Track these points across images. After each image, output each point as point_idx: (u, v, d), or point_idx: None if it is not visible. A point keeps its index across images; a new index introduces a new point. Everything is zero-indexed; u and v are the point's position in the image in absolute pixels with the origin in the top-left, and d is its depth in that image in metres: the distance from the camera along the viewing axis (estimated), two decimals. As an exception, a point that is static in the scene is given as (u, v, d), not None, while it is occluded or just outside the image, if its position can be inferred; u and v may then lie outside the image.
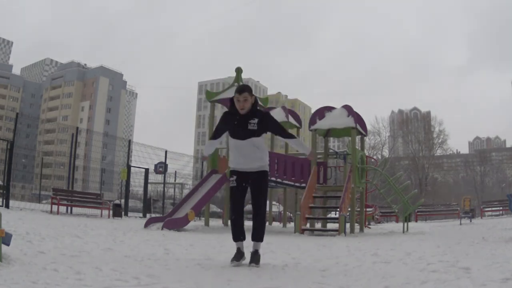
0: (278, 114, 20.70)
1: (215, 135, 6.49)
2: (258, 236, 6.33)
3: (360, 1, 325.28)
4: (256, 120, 6.10)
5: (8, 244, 5.37)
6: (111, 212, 21.53)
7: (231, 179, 6.36)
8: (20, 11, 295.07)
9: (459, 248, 8.64)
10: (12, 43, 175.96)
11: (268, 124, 6.22)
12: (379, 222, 26.99)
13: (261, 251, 6.38)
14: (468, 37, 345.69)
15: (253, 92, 6.15)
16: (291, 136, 6.50)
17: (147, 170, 26.55)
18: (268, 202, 25.81)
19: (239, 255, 6.31)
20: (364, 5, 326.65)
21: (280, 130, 6.37)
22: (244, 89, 6.10)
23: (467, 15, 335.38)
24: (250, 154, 6.21)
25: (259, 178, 6.30)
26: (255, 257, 6.22)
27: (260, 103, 18.87)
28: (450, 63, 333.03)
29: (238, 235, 6.35)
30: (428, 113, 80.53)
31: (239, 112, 6.09)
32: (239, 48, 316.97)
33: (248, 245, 6.37)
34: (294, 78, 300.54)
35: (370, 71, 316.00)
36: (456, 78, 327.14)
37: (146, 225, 15.08)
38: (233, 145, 6.28)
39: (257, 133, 6.15)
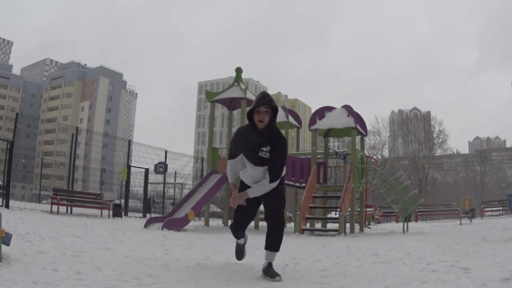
0: (278, 114, 20.70)
1: (235, 153, 5.69)
2: (274, 245, 5.51)
3: (367, 2, 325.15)
4: (268, 148, 5.32)
5: (8, 244, 5.37)
6: (111, 212, 21.51)
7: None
8: (21, 11, 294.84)
9: (459, 248, 8.64)
10: (12, 43, 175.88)
11: (276, 158, 5.36)
12: (379, 222, 26.95)
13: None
14: (474, 38, 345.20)
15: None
16: (271, 179, 5.36)
17: (147, 170, 26.55)
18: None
19: (240, 250, 6.26)
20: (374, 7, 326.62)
21: (273, 167, 5.38)
22: (264, 98, 5.35)
23: (472, 15, 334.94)
24: (257, 179, 5.51)
25: (273, 193, 5.50)
26: (269, 272, 5.37)
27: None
28: (454, 64, 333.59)
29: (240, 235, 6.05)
30: (428, 113, 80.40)
31: (257, 125, 5.32)
32: (238, 47, 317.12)
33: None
34: (296, 78, 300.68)
35: (375, 71, 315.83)
36: (459, 78, 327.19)
37: (146, 225, 15.08)
38: (246, 164, 5.57)
39: (267, 163, 5.37)
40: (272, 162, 5.34)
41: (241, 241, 6.16)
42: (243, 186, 5.63)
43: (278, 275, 5.25)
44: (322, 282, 5.14)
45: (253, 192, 5.42)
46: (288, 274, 5.73)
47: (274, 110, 5.37)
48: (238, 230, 5.97)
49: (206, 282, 5.03)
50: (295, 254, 8.02)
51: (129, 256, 6.92)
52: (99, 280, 4.85)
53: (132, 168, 26.02)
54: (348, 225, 15.33)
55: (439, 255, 7.32)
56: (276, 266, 6.09)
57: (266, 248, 5.50)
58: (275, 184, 5.39)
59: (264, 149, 5.33)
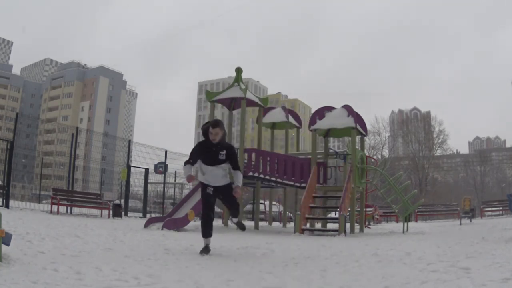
0: (278, 114, 20.72)
1: (193, 161, 7.86)
2: (236, 213, 8.47)
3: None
4: (224, 152, 7.77)
5: (8, 244, 5.38)
6: (111, 212, 21.51)
7: (209, 188, 7.89)
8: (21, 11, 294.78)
9: (459, 248, 8.63)
10: (12, 43, 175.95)
11: (232, 159, 7.88)
12: (379, 222, 26.98)
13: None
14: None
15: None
16: (237, 169, 7.94)
17: (147, 170, 26.54)
18: (267, 202, 25.84)
19: (207, 250, 7.68)
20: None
21: (234, 163, 7.92)
22: (216, 124, 7.67)
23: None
24: (218, 175, 7.90)
25: (228, 188, 8.00)
26: (241, 224, 8.91)
27: (260, 103, 18.90)
28: (453, 62, 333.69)
29: (209, 232, 7.80)
30: (428, 113, 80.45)
31: (211, 141, 7.67)
32: (239, 46, 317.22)
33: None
34: (296, 78, 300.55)
35: (373, 69, 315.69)
36: (459, 77, 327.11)
37: (146, 225, 15.07)
38: (205, 168, 7.88)
39: (224, 162, 7.83)
40: (231, 158, 7.85)
41: (208, 241, 7.82)
42: (204, 186, 7.95)
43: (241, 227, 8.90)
44: (322, 282, 5.14)
45: (239, 181, 7.95)
46: (288, 274, 5.73)
47: (223, 129, 7.73)
48: (207, 214, 7.88)
49: (206, 282, 5.03)
50: (295, 254, 8.02)
51: (129, 256, 6.92)
52: (99, 280, 4.85)
53: (132, 168, 26.02)
54: (348, 225, 15.33)
55: (439, 255, 7.31)
56: (277, 265, 6.11)
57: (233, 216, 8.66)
58: (239, 172, 7.95)
59: (222, 152, 7.75)
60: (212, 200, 7.95)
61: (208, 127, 7.67)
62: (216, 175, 7.88)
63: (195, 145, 8.12)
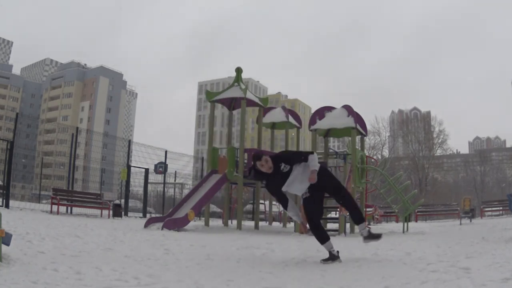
0: (278, 114, 20.70)
1: (258, 177, 7.17)
2: (356, 219, 7.43)
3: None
4: (282, 164, 6.77)
5: (8, 244, 5.38)
6: (111, 212, 21.50)
7: (305, 195, 6.97)
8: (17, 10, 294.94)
9: (459, 248, 8.63)
10: (12, 43, 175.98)
11: (291, 159, 6.88)
12: (379, 222, 26.95)
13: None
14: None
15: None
16: (306, 157, 6.88)
17: (147, 170, 26.55)
18: (267, 202, 25.83)
19: (333, 257, 6.91)
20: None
21: (300, 156, 6.94)
22: (260, 156, 6.76)
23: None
24: (299, 180, 6.83)
25: (321, 182, 6.82)
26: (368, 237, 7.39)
27: (260, 103, 18.90)
28: (452, 62, 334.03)
29: (324, 236, 7.04)
30: (428, 113, 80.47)
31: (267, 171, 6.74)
32: (240, 46, 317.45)
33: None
34: (294, 77, 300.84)
35: (374, 70, 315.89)
36: (458, 77, 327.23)
37: (146, 225, 15.06)
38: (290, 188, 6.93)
39: (291, 169, 6.79)
40: (295, 158, 6.90)
41: (329, 246, 7.01)
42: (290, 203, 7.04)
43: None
44: (322, 282, 5.15)
45: (313, 165, 6.76)
46: (288, 274, 5.74)
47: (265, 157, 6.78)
48: (317, 227, 7.00)
49: (206, 282, 5.03)
50: (295, 254, 8.03)
51: (129, 256, 6.93)
52: (99, 280, 4.86)
53: (132, 168, 26.03)
54: (348, 225, 15.33)
55: (439, 255, 7.32)
56: (277, 265, 6.12)
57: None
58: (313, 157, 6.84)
59: (281, 165, 6.77)
60: (312, 206, 7.03)
61: (254, 165, 6.83)
62: (300, 181, 6.90)
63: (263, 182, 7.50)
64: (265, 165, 6.67)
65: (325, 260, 6.78)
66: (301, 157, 6.86)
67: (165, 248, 8.44)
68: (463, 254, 7.31)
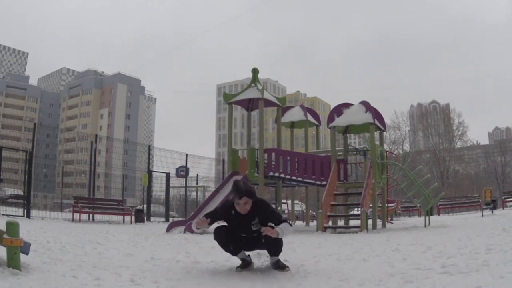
0: (296, 113, 20.65)
1: (213, 219, 6.18)
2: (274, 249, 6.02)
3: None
4: (256, 220, 5.86)
5: (27, 253, 5.38)
6: (133, 218, 21.57)
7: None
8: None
9: (479, 240, 8.53)
10: (27, 54, 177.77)
11: (267, 217, 5.90)
12: (400, 215, 26.93)
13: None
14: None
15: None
16: (281, 222, 5.83)
17: (168, 174, 26.67)
18: (290, 201, 25.77)
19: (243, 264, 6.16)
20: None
21: (275, 219, 5.91)
22: (243, 193, 5.74)
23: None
24: (254, 240, 6.03)
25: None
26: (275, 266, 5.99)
27: (278, 102, 18.86)
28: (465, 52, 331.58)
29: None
30: (447, 105, 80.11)
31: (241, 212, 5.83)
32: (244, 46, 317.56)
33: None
34: (311, 75, 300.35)
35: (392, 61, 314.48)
36: (475, 67, 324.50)
37: (168, 229, 15.10)
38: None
39: (260, 229, 5.78)
40: (271, 219, 5.90)
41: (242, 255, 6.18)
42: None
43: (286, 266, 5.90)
44: (340, 279, 5.13)
45: (283, 233, 5.70)
46: (308, 271, 5.72)
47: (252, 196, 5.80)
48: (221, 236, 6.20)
49: (226, 286, 5.01)
50: (316, 253, 7.98)
51: (149, 261, 6.92)
52: (118, 285, 4.85)
53: (153, 173, 26.14)
54: (370, 221, 15.25)
55: (459, 248, 7.26)
56: (295, 264, 6.08)
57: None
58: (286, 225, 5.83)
59: (253, 222, 5.88)
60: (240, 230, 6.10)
61: (233, 199, 5.85)
62: (252, 242, 6.08)
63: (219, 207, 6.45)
64: (242, 207, 5.73)
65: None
66: (276, 221, 5.83)
67: (186, 251, 8.42)
68: (483, 246, 7.23)
